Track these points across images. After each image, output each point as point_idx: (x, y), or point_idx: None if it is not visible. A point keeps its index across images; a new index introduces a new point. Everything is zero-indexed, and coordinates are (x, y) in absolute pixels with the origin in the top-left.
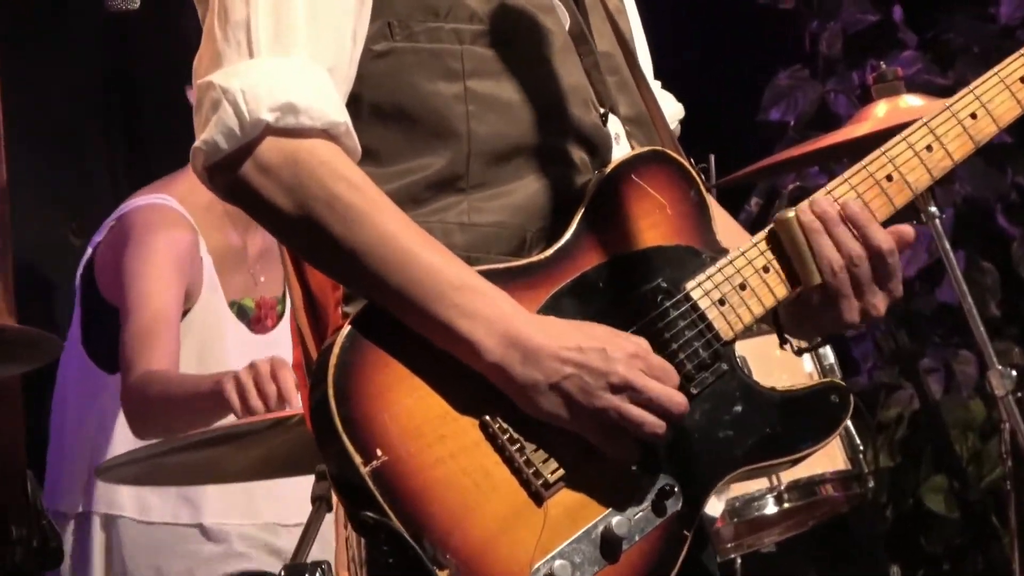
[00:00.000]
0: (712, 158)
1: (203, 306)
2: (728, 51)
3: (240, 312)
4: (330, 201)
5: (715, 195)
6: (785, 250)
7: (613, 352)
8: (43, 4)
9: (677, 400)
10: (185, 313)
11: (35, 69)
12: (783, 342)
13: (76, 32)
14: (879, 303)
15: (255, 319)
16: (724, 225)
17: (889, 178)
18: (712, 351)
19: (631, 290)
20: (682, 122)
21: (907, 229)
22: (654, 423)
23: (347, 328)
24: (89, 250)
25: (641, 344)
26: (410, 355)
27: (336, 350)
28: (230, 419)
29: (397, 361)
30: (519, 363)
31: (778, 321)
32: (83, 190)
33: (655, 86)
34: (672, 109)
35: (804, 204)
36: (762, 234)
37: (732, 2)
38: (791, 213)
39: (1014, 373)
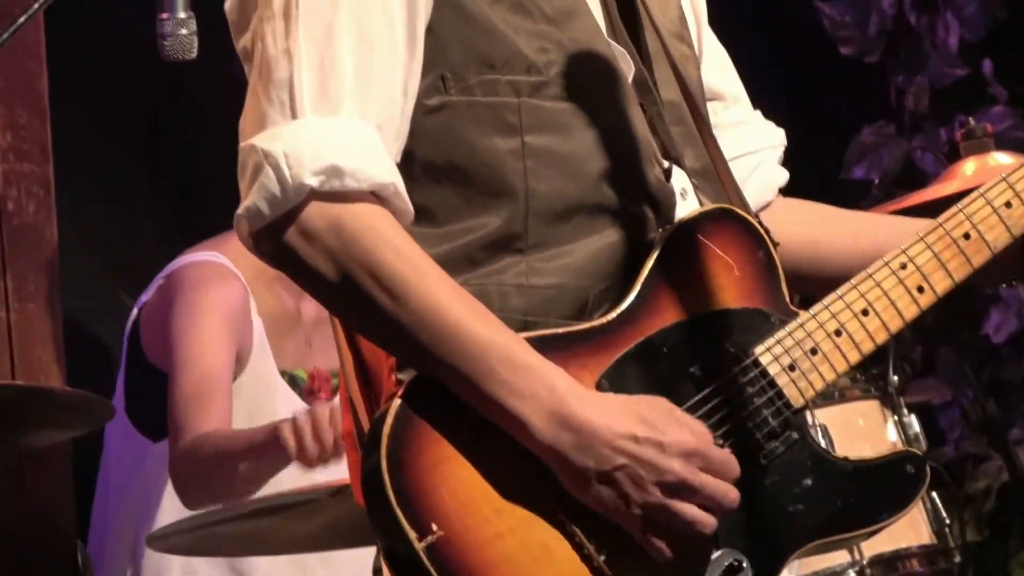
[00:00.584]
0: None
1: (253, 371)
2: (811, 106)
3: (292, 382)
4: (375, 270)
5: None
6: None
7: (671, 447)
8: (94, 52)
9: (732, 497)
10: (234, 378)
11: (85, 120)
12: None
13: (127, 81)
14: None
15: (307, 390)
16: (897, 227)
17: (967, 236)
18: (782, 419)
19: (698, 356)
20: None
21: None
22: (705, 522)
23: (400, 397)
24: (135, 311)
25: (702, 437)
26: (465, 426)
27: (389, 419)
28: (284, 486)
29: (452, 432)
30: (570, 447)
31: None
32: (134, 246)
33: (756, 115)
34: (776, 136)
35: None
36: (832, 297)
37: (815, 56)
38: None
39: None
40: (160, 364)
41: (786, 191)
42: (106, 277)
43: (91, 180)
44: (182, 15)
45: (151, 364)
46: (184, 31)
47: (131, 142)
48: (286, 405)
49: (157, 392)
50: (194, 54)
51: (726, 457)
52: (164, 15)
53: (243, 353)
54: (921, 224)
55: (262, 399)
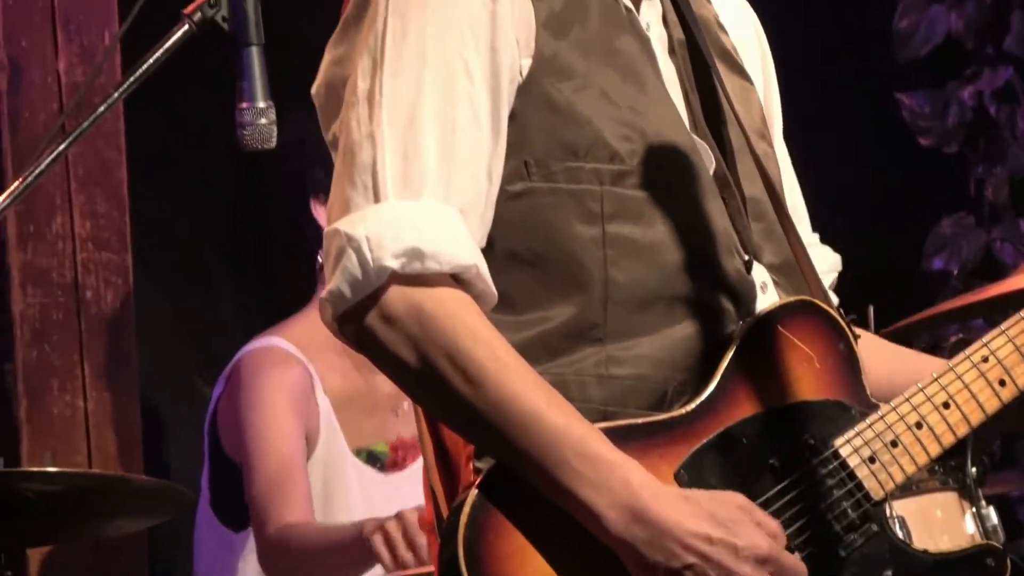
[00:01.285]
0: (871, 309)
1: (324, 452)
2: (890, 197)
3: (372, 458)
4: (454, 356)
5: None
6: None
7: (744, 550)
8: (174, 137)
9: None
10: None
11: (165, 204)
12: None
13: (206, 169)
14: None
15: (391, 463)
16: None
17: None
18: (862, 511)
19: (777, 448)
20: (841, 274)
21: None
22: None
23: (478, 486)
24: (213, 403)
25: (777, 541)
26: (541, 517)
27: (467, 508)
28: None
29: (528, 522)
30: (642, 542)
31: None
32: (213, 335)
33: (813, 239)
34: (831, 260)
35: None
36: (913, 389)
37: (895, 147)
38: None
39: None
40: (237, 456)
41: (870, 283)
42: (185, 366)
43: (170, 268)
44: (261, 104)
45: (229, 456)
46: (263, 120)
47: (209, 230)
48: (359, 483)
49: (235, 482)
50: (273, 143)
51: (798, 566)
52: (244, 105)
53: (311, 434)
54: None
55: (334, 479)
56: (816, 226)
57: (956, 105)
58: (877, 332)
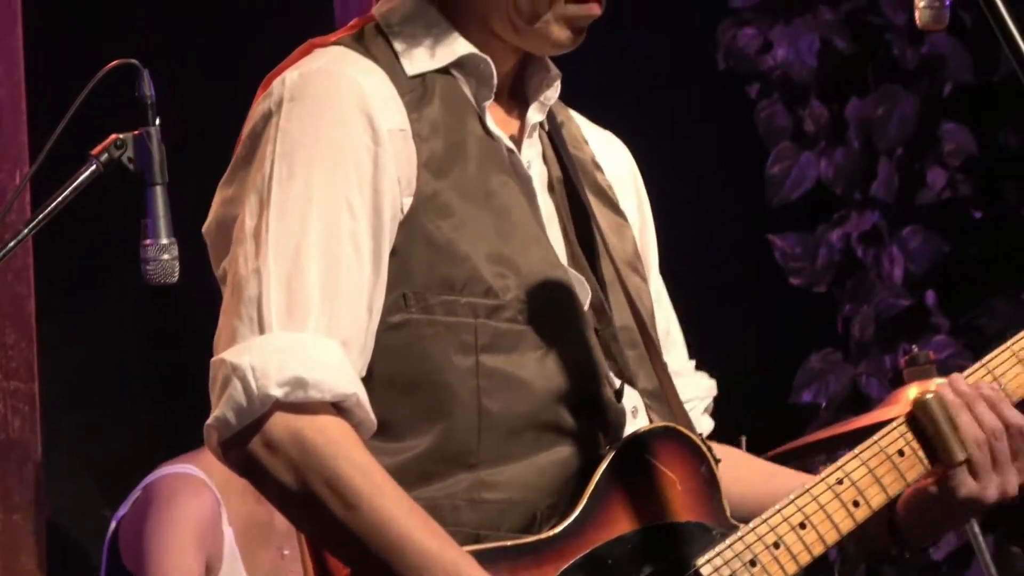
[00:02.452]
0: (744, 439)
1: None
2: (763, 332)
3: None
4: (333, 482)
5: None
6: (921, 437)
7: None
8: (87, 265)
9: None
10: None
11: (76, 329)
12: (901, 548)
13: (119, 295)
14: (1014, 480)
15: None
16: (784, 479)
17: (901, 453)
18: None
19: (642, 569)
20: (716, 405)
21: None
22: None
23: None
24: (114, 523)
25: None
26: None
27: None
28: None
29: None
30: None
31: (896, 528)
32: (119, 460)
33: (689, 366)
34: (706, 386)
35: (944, 385)
36: (771, 510)
37: (766, 285)
38: (930, 395)
39: None
40: (138, 573)
41: (742, 414)
42: (91, 490)
43: (77, 397)
44: (164, 241)
45: (128, 573)
46: (166, 256)
47: (117, 358)
48: None
49: None
50: (175, 278)
51: None
52: (148, 241)
53: (213, 564)
54: (807, 478)
55: None
56: (692, 358)
57: (825, 247)
58: None
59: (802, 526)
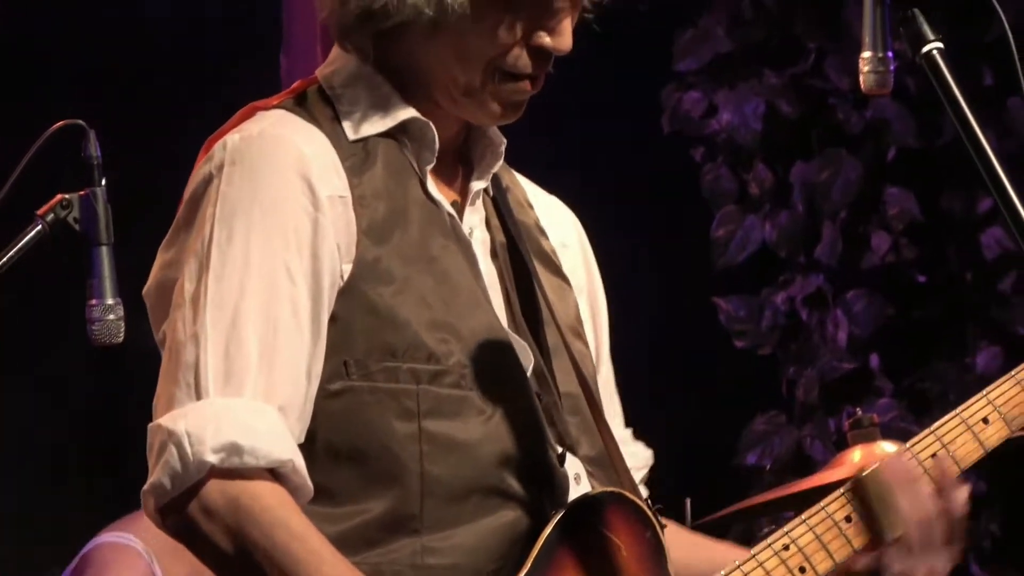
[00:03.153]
0: (688, 501)
1: None
2: (708, 395)
3: None
4: (270, 550)
5: None
6: (861, 508)
7: None
8: (31, 326)
9: None
10: None
11: (20, 390)
12: None
13: (66, 353)
14: (944, 565)
15: None
16: (711, 554)
17: (848, 519)
18: None
19: None
20: (655, 468)
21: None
22: None
23: None
24: None
25: None
26: None
27: None
28: None
29: None
30: None
31: None
32: (66, 524)
33: (627, 434)
34: (644, 456)
35: (888, 462)
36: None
37: (711, 348)
38: (874, 469)
39: None
40: None
41: (687, 475)
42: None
43: (24, 460)
44: (110, 301)
45: None
46: (112, 316)
47: (62, 419)
48: None
49: None
50: (120, 339)
51: None
52: (93, 301)
53: None
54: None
55: None
56: (638, 422)
57: (770, 309)
58: (693, 522)
59: None
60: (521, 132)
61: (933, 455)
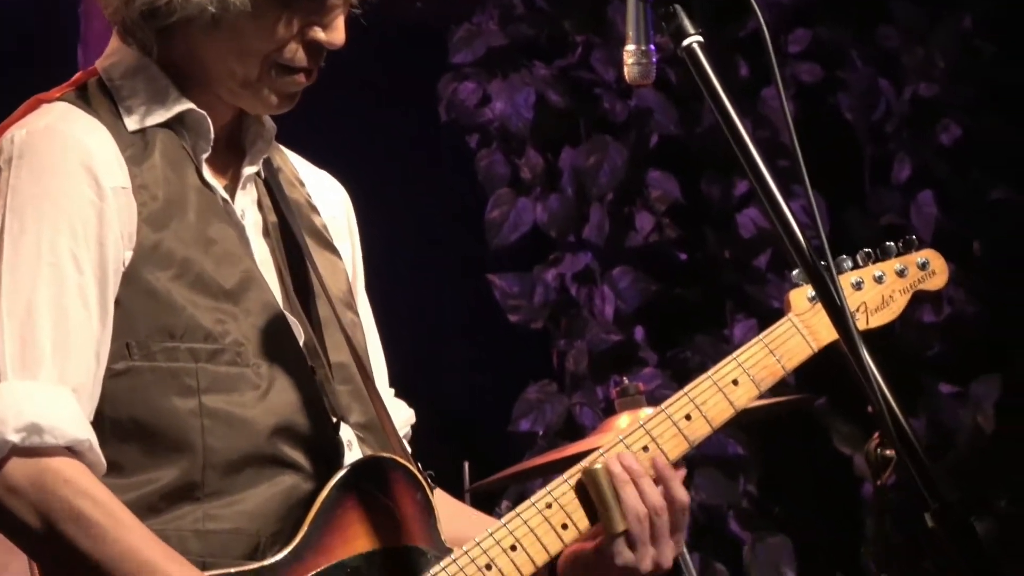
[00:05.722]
0: (467, 465)
1: None
2: (483, 367)
3: None
4: (76, 518)
5: (468, 500)
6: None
7: None
8: None
9: None
10: None
11: None
12: None
13: None
14: (669, 553)
15: None
16: (473, 522)
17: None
18: None
19: None
20: (430, 424)
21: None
22: None
23: None
24: None
25: None
26: None
27: None
28: None
29: None
30: None
31: None
32: None
33: (388, 394)
34: (404, 415)
35: (612, 456)
36: (484, 534)
37: (487, 322)
38: (599, 464)
39: None
40: None
41: (465, 441)
42: None
43: None
44: None
45: None
46: None
47: None
48: None
49: None
50: None
51: None
52: None
53: None
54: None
55: None
56: (418, 393)
57: (542, 286)
58: (471, 486)
59: (512, 548)
60: (299, 117)
61: (644, 448)
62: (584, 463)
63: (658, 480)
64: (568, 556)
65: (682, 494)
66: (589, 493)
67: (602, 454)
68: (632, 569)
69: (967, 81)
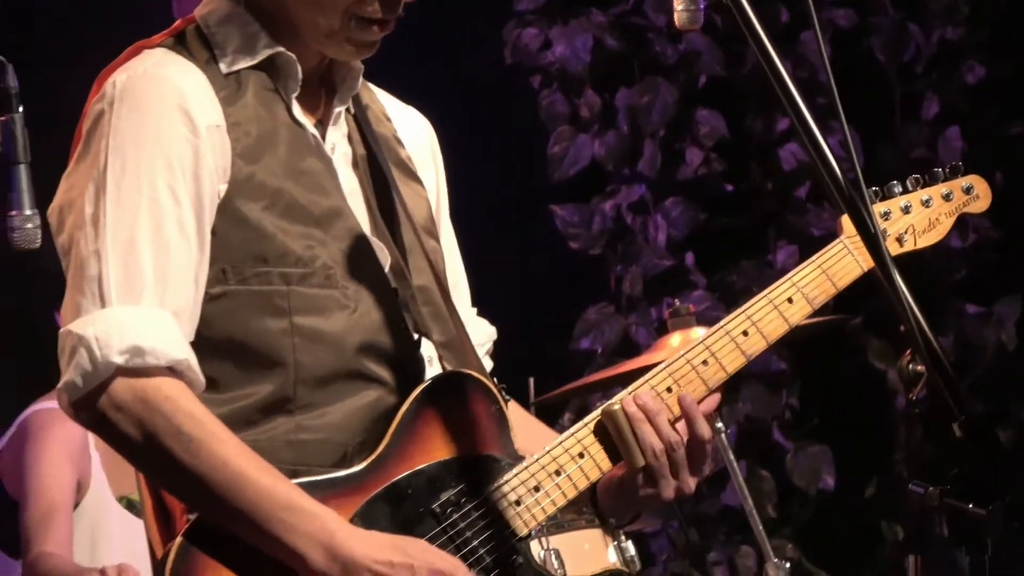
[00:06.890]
0: (531, 381)
1: (92, 498)
2: (546, 290)
3: (129, 505)
4: (175, 433)
5: (533, 412)
6: (604, 441)
7: (419, 569)
8: None
9: None
10: (76, 504)
11: None
12: (603, 522)
13: None
14: (691, 482)
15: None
16: (540, 433)
17: (669, 390)
18: (509, 546)
19: (438, 495)
20: (498, 343)
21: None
22: None
23: (180, 538)
24: None
25: (453, 563)
26: (239, 561)
27: (172, 557)
28: None
29: (226, 567)
30: (339, 573)
31: (597, 505)
32: None
33: (471, 313)
34: (487, 332)
35: (628, 396)
36: (554, 442)
37: (551, 249)
38: (617, 405)
39: (788, 565)
40: (16, 495)
41: (530, 359)
42: None
43: None
44: (28, 212)
45: (10, 497)
46: (30, 225)
47: None
48: (121, 528)
49: (15, 518)
50: (38, 243)
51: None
52: (13, 212)
53: (84, 481)
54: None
55: (101, 523)
56: (486, 312)
57: (599, 216)
58: (536, 400)
59: (580, 455)
60: (384, 60)
61: (668, 389)
62: (606, 406)
63: (683, 416)
64: (604, 482)
65: (703, 430)
66: (609, 435)
67: (630, 393)
68: (655, 498)
69: (989, 25)
